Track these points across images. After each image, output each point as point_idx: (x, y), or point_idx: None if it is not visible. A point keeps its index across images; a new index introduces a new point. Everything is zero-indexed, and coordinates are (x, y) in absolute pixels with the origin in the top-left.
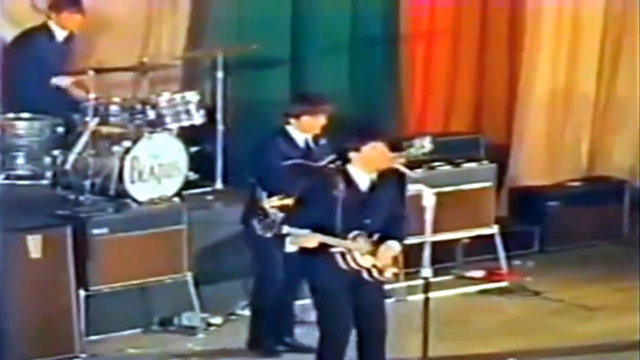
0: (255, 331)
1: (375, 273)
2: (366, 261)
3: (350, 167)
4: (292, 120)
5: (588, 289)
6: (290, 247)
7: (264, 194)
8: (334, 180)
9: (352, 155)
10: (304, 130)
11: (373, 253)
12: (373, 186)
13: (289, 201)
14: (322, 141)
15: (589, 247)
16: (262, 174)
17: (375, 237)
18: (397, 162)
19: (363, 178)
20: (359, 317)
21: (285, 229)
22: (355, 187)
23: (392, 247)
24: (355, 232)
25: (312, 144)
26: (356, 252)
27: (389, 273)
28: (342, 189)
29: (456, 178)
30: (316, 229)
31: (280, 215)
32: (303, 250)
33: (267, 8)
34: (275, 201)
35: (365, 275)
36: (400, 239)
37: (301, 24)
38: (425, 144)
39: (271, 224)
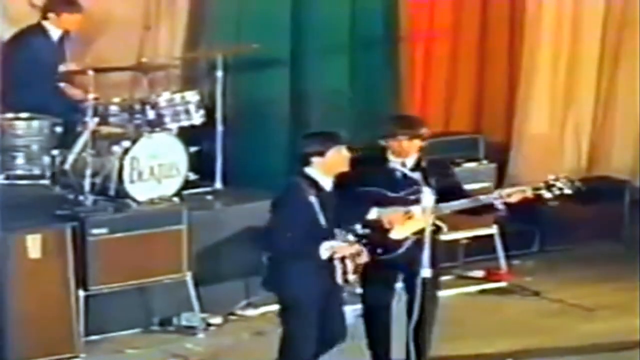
0: None
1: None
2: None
3: (310, 171)
4: None
5: (588, 289)
6: (324, 254)
7: None
8: (305, 186)
9: (314, 159)
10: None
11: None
12: (335, 189)
13: None
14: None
15: (589, 247)
16: None
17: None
18: None
19: (326, 181)
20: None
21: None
22: (323, 190)
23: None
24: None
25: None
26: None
27: (352, 278)
28: (314, 193)
29: None
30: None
31: None
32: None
33: (267, 8)
34: None
35: (339, 279)
36: None
37: (301, 24)
38: None
39: None
